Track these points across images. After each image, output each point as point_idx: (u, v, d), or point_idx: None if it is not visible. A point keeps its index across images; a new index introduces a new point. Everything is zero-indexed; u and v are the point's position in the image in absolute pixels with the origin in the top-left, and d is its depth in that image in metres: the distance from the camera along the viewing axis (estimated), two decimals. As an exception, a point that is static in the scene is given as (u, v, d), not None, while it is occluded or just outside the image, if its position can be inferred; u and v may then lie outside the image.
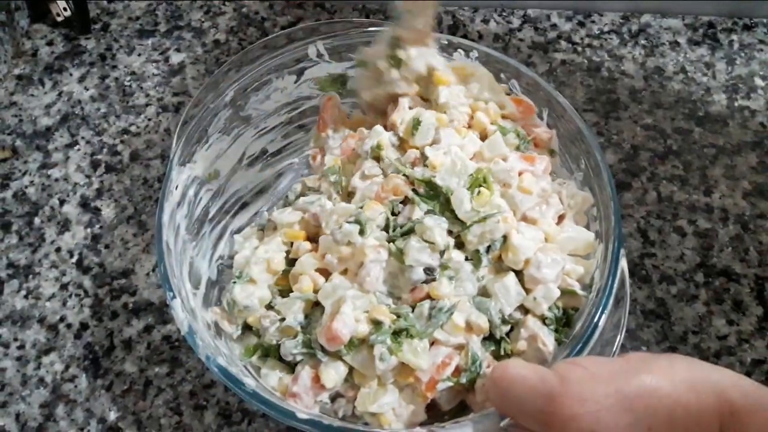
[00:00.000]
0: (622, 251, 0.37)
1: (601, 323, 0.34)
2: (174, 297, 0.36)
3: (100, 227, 0.51)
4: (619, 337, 0.36)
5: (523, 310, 0.38)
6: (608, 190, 0.39)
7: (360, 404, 0.36)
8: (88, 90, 0.59)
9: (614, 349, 0.36)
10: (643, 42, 0.62)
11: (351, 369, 0.36)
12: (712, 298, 0.48)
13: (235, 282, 0.39)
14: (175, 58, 0.61)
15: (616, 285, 0.36)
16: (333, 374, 0.35)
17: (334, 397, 0.37)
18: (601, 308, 0.35)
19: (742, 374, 0.43)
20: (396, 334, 0.35)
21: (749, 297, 0.48)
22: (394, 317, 0.36)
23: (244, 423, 0.43)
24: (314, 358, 0.36)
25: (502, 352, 0.37)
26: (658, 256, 0.50)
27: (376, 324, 0.35)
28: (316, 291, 0.38)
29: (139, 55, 0.62)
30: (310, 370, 0.36)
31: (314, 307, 0.38)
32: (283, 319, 0.37)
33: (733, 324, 0.47)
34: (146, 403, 0.44)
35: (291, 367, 0.38)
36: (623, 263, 0.37)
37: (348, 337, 0.34)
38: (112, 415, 0.43)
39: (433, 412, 0.37)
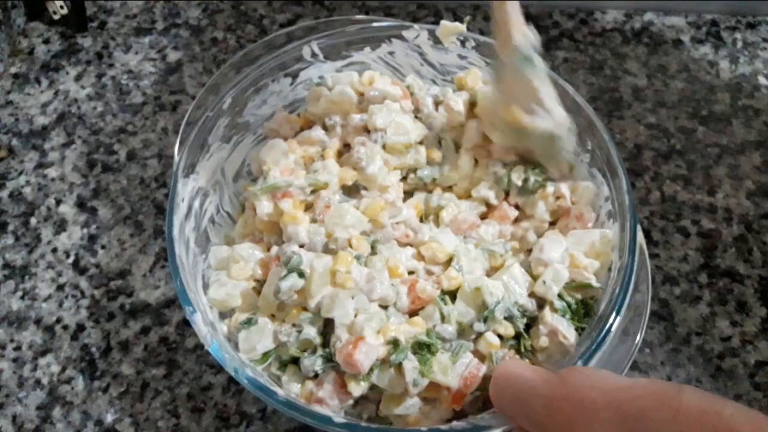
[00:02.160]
0: (638, 226, 0.37)
1: (626, 302, 0.35)
2: (194, 312, 0.35)
3: (97, 227, 0.51)
4: (645, 313, 0.37)
5: (538, 302, 0.38)
6: (617, 167, 0.39)
7: (385, 408, 0.36)
8: (84, 89, 0.59)
9: (642, 323, 0.36)
10: (646, 40, 0.61)
11: None
12: (715, 299, 0.47)
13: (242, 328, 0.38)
14: (173, 56, 0.61)
15: (636, 261, 0.36)
16: (359, 385, 0.35)
17: (357, 400, 0.36)
18: (623, 287, 0.35)
19: (746, 376, 0.44)
20: (416, 349, 0.35)
21: (753, 298, 0.47)
22: (411, 333, 0.35)
23: (242, 425, 0.42)
24: (338, 368, 0.36)
25: (523, 348, 0.37)
26: (661, 256, 0.49)
27: (394, 343, 0.35)
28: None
29: (136, 53, 0.61)
30: (335, 375, 0.36)
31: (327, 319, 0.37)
32: (300, 331, 0.37)
33: (737, 325, 0.46)
34: (143, 405, 0.43)
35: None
36: (640, 236, 0.37)
37: (368, 368, 0.34)
38: (109, 417, 0.43)
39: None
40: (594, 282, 0.38)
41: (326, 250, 0.38)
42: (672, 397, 0.24)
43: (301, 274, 0.36)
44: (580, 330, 0.37)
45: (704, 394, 0.24)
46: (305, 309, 0.37)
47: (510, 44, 0.37)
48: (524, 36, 0.37)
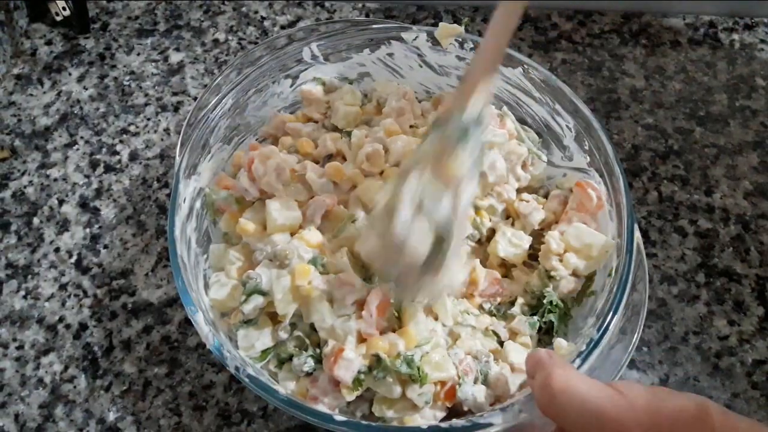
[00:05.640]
0: (636, 226, 0.38)
1: (624, 301, 0.35)
2: (196, 311, 0.36)
3: (99, 227, 0.51)
4: (642, 312, 0.37)
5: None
6: (614, 167, 0.40)
7: (378, 410, 0.36)
8: (87, 89, 0.59)
9: (640, 321, 0.36)
10: (643, 41, 0.62)
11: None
12: (713, 298, 0.47)
13: (240, 327, 0.38)
14: (174, 58, 0.61)
15: (634, 261, 0.36)
16: (351, 393, 0.35)
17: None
18: (621, 286, 0.36)
19: (743, 375, 0.44)
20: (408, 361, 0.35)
21: (750, 297, 0.47)
22: (398, 347, 0.35)
23: (243, 424, 0.43)
24: None
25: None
26: (659, 256, 0.49)
27: (376, 358, 0.35)
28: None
29: (138, 54, 0.61)
30: (329, 374, 0.36)
31: None
32: (294, 325, 0.38)
33: (734, 324, 0.46)
34: (145, 403, 0.43)
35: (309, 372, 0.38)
36: (638, 236, 0.38)
37: (351, 380, 0.35)
38: (111, 416, 0.43)
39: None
40: (566, 282, 0.39)
41: (281, 266, 0.38)
42: (705, 419, 0.25)
43: (264, 293, 0.37)
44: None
45: (725, 410, 0.26)
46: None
47: (459, 109, 0.33)
48: (475, 109, 0.33)
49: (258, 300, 0.37)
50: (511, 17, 0.32)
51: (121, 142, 0.56)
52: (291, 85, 0.47)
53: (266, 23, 0.63)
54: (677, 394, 0.27)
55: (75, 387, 0.44)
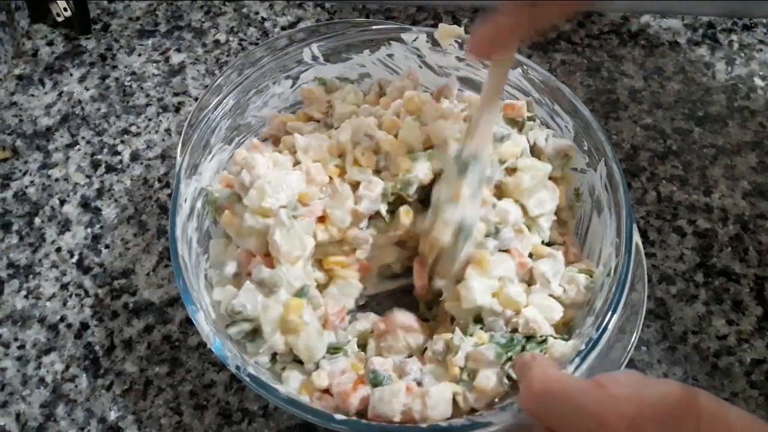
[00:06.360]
0: (635, 226, 0.38)
1: (623, 301, 0.36)
2: (197, 311, 0.36)
3: (101, 227, 0.52)
4: (641, 312, 0.37)
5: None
6: (613, 168, 0.40)
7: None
8: (88, 90, 0.59)
9: (639, 320, 0.37)
10: (642, 42, 0.62)
11: None
12: (711, 298, 0.48)
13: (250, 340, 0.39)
14: (176, 59, 0.61)
15: (633, 260, 0.36)
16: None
17: None
18: (620, 286, 0.36)
19: (742, 375, 0.44)
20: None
21: (749, 297, 0.48)
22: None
23: (244, 423, 0.43)
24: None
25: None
26: (657, 256, 0.50)
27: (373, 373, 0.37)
28: None
29: (140, 55, 0.62)
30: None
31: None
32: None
33: (733, 324, 0.47)
34: (146, 402, 0.44)
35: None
36: (636, 236, 0.38)
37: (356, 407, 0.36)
38: (113, 415, 0.43)
39: None
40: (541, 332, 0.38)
41: (270, 292, 0.37)
42: (691, 404, 0.25)
43: (250, 320, 0.37)
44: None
45: (715, 399, 0.25)
46: None
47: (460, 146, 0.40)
48: (476, 148, 0.39)
49: (243, 325, 0.37)
50: (500, 75, 0.38)
51: (122, 142, 0.56)
52: (291, 86, 0.48)
53: (267, 24, 0.63)
54: (662, 381, 0.27)
55: (76, 386, 0.44)
